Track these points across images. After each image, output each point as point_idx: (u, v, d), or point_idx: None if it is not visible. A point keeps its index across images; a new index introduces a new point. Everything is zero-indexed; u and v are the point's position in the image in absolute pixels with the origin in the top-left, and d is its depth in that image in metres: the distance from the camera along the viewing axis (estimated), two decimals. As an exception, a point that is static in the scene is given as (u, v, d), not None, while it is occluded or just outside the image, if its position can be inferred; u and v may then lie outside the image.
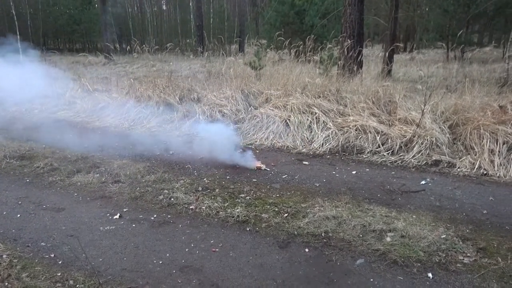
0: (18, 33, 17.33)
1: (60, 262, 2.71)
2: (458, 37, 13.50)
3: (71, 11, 28.01)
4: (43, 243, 2.96)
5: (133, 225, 3.24)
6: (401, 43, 23.17)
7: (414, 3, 20.13)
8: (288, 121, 5.82)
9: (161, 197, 3.76)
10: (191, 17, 31.02)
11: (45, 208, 3.60)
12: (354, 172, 4.49)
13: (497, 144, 4.58)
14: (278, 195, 3.81)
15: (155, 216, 3.40)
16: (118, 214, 3.41)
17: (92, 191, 3.95)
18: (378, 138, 5.17)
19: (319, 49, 8.57)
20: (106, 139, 5.72)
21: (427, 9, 20.46)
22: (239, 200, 3.68)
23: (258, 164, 4.62)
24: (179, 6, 34.47)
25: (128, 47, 10.55)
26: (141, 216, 3.39)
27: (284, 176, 4.35)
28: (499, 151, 4.51)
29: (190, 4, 31.39)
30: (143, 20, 33.71)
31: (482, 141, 4.68)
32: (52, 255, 2.79)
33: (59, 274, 2.57)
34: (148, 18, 33.72)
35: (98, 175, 4.34)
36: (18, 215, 3.45)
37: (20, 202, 3.71)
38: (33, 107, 8.16)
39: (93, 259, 2.73)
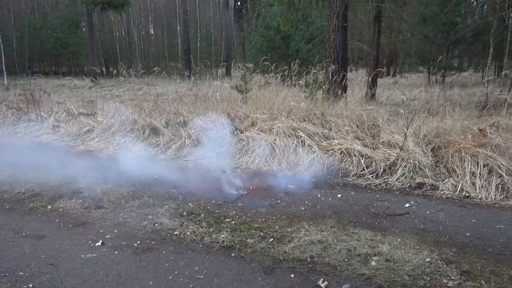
0: (3, 56, 17.25)
1: (38, 293, 2.63)
2: (439, 61, 13.94)
3: (58, 35, 27.99)
4: (21, 273, 2.87)
5: (116, 252, 3.17)
6: (384, 67, 23.77)
7: (396, 29, 20.79)
8: (274, 144, 5.86)
9: (145, 222, 3.70)
10: (179, 41, 31.43)
11: (25, 235, 3.51)
12: (339, 196, 4.51)
13: (478, 166, 4.67)
14: (263, 220, 3.79)
15: (138, 242, 3.34)
16: (101, 241, 3.34)
17: (74, 217, 3.87)
18: (362, 161, 5.22)
19: (304, 73, 8.74)
20: (90, 164, 5.65)
21: (408, 35, 21.12)
22: (224, 225, 3.64)
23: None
24: (166, 31, 34.90)
25: (115, 70, 10.57)
26: (124, 243, 3.33)
27: (269, 200, 4.35)
28: (480, 174, 4.60)
29: (178, 28, 31.85)
30: (130, 44, 33.96)
31: (464, 164, 4.77)
32: (31, 285, 2.70)
33: (37, 305, 2.49)
34: (136, 42, 33.99)
35: (81, 200, 4.27)
36: (-4, 243, 3.35)
37: (-2, 230, 3.61)
38: (16, 131, 8.06)
39: (73, 288, 2.66)
